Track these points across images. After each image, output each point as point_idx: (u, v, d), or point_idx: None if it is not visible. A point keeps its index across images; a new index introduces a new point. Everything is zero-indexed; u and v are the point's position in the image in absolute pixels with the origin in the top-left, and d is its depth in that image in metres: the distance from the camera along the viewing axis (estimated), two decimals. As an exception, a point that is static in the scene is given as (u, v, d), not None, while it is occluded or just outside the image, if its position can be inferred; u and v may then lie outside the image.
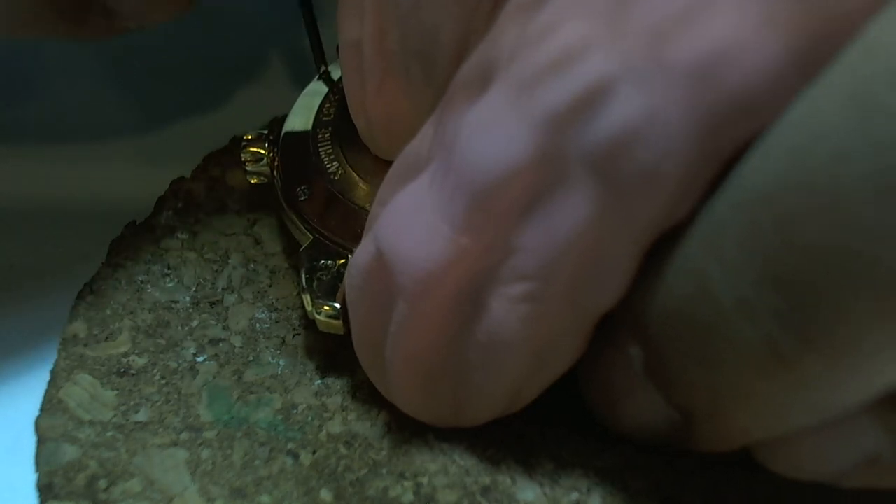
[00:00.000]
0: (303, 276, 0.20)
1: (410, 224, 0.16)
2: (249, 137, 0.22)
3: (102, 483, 0.18)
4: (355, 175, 0.21)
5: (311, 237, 0.21)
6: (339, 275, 0.20)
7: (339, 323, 0.19)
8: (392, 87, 0.20)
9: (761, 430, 0.16)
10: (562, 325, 0.16)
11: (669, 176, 0.15)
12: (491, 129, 0.15)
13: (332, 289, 0.19)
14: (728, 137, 0.14)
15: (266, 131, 0.23)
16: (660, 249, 0.16)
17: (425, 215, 0.16)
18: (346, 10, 0.20)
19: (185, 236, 0.23)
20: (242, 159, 0.22)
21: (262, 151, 0.22)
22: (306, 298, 0.19)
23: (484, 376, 0.17)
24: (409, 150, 0.18)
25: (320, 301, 0.19)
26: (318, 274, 0.20)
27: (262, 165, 0.22)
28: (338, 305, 0.19)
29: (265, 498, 0.18)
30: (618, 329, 0.17)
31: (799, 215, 0.13)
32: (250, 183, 0.23)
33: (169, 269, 0.22)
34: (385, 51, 0.19)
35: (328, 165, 0.22)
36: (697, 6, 0.14)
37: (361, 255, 0.17)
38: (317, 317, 0.19)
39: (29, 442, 0.19)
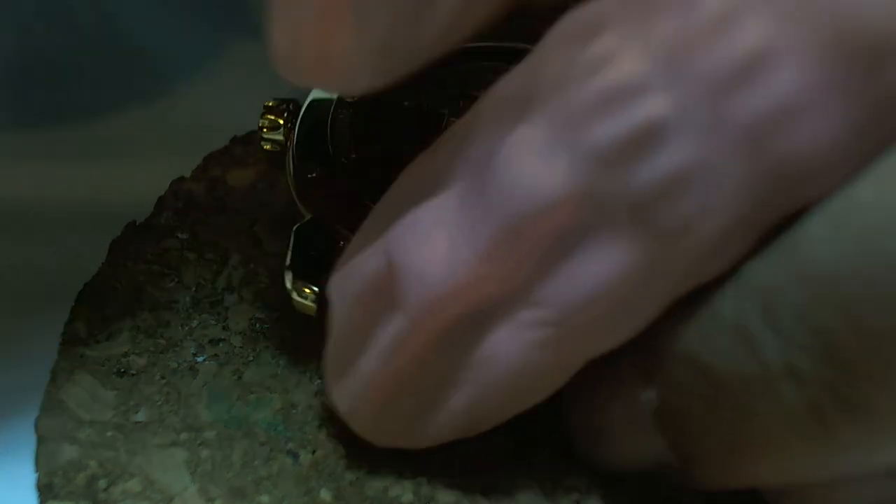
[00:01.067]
0: (290, 251, 0.20)
1: (429, 240, 0.16)
2: (270, 105, 0.22)
3: (102, 483, 0.18)
4: (367, 164, 0.21)
5: (310, 216, 0.20)
6: (327, 259, 0.19)
7: (313, 306, 0.19)
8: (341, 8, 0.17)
9: (779, 479, 0.16)
10: (562, 362, 0.16)
11: (714, 229, 0.14)
12: (532, 158, 0.15)
13: (316, 270, 0.19)
14: (780, 199, 0.14)
15: (288, 101, 0.22)
16: (692, 297, 0.15)
17: (447, 234, 0.16)
18: None
19: (185, 236, 0.23)
20: (259, 125, 0.22)
21: (280, 121, 0.22)
22: (288, 275, 0.19)
23: (461, 399, 0.17)
24: (427, 159, 0.17)
25: (301, 283, 0.19)
26: (307, 253, 0.20)
27: (278, 134, 0.22)
28: (317, 290, 0.19)
29: (265, 498, 0.18)
30: (626, 369, 0.17)
31: (867, 300, 0.13)
32: (251, 180, 0.23)
33: (169, 269, 0.22)
34: None
35: (342, 148, 0.21)
36: (762, 62, 0.14)
37: (366, 262, 0.17)
38: (294, 296, 0.19)
39: (29, 442, 0.19)
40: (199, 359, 0.21)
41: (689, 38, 0.14)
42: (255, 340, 0.21)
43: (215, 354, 0.21)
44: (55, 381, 0.20)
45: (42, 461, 0.19)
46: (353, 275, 0.17)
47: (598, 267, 0.15)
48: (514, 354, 0.16)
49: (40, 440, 0.19)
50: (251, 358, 0.21)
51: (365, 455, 0.19)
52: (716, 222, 0.14)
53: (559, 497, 0.18)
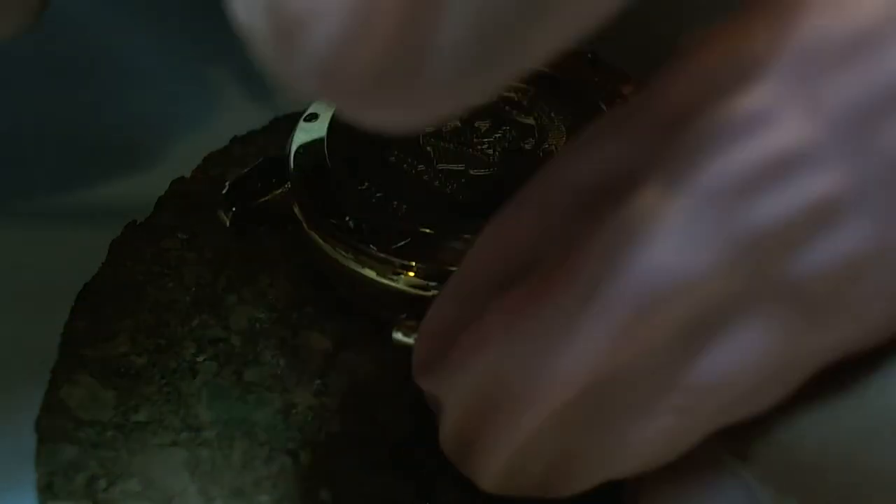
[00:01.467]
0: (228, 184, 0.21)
1: (543, 346, 0.14)
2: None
3: (102, 483, 0.18)
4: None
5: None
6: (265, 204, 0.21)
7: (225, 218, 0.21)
8: None
9: None
10: (692, 439, 0.15)
11: (882, 311, 0.13)
12: (671, 236, 0.13)
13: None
14: None
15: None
16: (835, 382, 0.14)
17: (566, 332, 0.14)
18: None
19: (184, 236, 0.23)
20: None
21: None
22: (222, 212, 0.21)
23: (587, 473, 0.16)
24: (504, 242, 0.15)
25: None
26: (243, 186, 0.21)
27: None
28: None
29: (264, 498, 0.18)
30: (745, 477, 0.15)
31: None
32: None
33: (169, 268, 0.22)
34: None
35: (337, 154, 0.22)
36: None
37: (467, 366, 0.15)
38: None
39: (29, 442, 0.19)
40: (199, 358, 0.21)
41: (872, 101, 0.12)
42: (255, 340, 0.21)
43: (215, 354, 0.21)
44: (55, 381, 0.20)
45: (42, 461, 0.19)
46: (456, 370, 0.16)
47: (745, 349, 0.13)
48: (646, 438, 0.15)
49: (40, 440, 0.19)
50: (251, 358, 0.21)
51: (364, 455, 0.19)
52: (884, 304, 0.13)
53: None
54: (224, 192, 0.22)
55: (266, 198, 0.22)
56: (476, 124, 0.22)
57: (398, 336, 0.19)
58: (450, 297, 0.16)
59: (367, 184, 0.21)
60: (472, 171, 0.21)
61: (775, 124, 0.12)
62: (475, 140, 0.22)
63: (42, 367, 0.20)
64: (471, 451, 0.16)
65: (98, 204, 0.24)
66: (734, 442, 0.15)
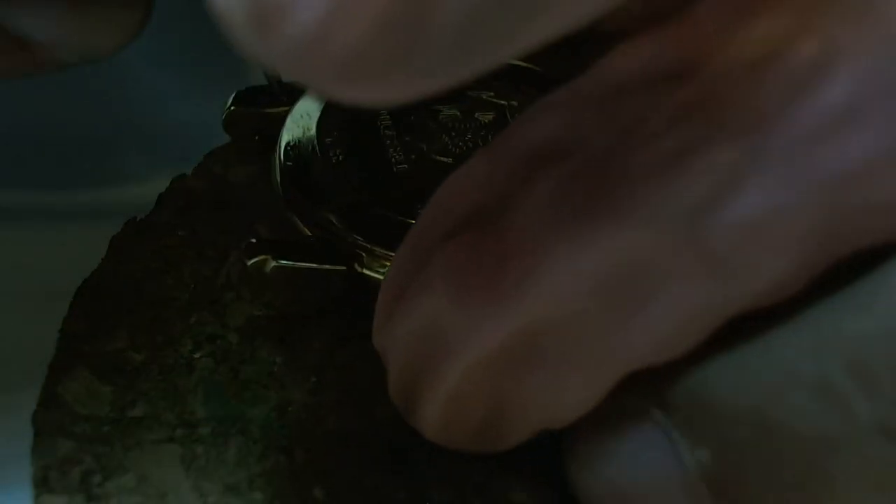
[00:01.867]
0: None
1: (475, 288, 0.15)
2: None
3: (97, 478, 0.18)
4: (353, 167, 0.21)
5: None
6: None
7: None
8: None
9: None
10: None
11: (783, 270, 0.14)
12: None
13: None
14: (854, 240, 0.14)
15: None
16: (747, 348, 0.15)
17: (492, 280, 0.15)
18: None
19: (184, 234, 0.23)
20: None
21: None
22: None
23: (522, 417, 0.16)
24: (451, 200, 0.16)
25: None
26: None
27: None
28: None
29: (258, 495, 0.18)
30: (659, 430, 0.16)
31: None
32: (251, 178, 0.23)
33: (168, 265, 0.22)
34: None
35: (328, 152, 0.22)
36: (843, 120, 0.13)
37: (410, 306, 0.16)
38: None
39: (26, 436, 0.19)
40: (196, 355, 0.21)
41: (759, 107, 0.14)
42: (253, 338, 0.21)
43: (212, 351, 0.21)
44: (53, 376, 0.20)
45: (38, 455, 0.19)
46: (394, 326, 0.17)
47: (666, 304, 0.14)
48: (573, 383, 0.16)
49: (37, 434, 0.19)
50: (248, 355, 0.21)
51: (359, 453, 0.19)
52: (782, 260, 0.14)
53: (551, 497, 0.18)
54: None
55: None
56: (476, 115, 0.23)
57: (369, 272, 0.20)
58: (405, 250, 0.17)
59: (355, 178, 0.21)
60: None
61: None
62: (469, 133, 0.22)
63: (40, 362, 0.20)
64: (412, 399, 0.17)
65: (99, 201, 0.24)
66: (657, 392, 0.15)
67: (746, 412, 0.15)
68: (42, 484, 0.18)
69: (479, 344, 0.15)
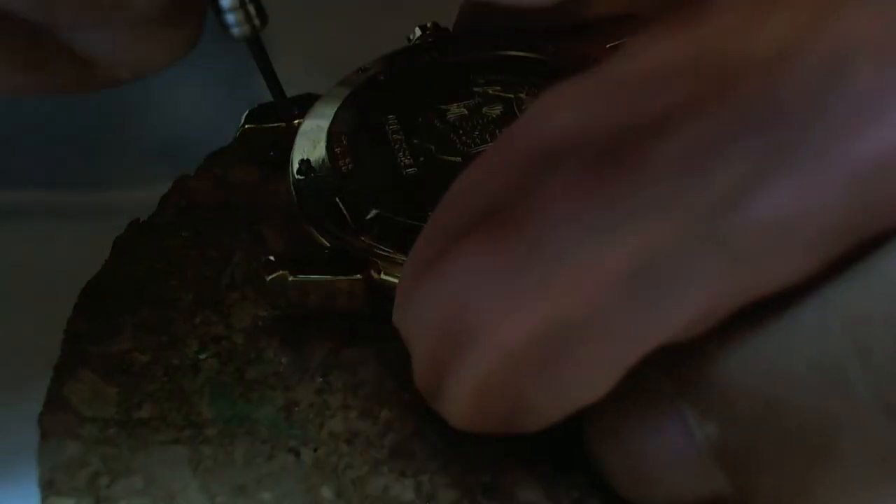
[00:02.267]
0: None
1: (498, 282, 0.15)
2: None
3: (104, 480, 0.18)
4: (366, 171, 0.22)
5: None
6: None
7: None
8: None
9: None
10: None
11: (801, 262, 0.14)
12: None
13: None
14: (868, 229, 0.14)
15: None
16: (756, 326, 0.15)
17: (516, 272, 0.15)
18: None
19: (188, 234, 0.23)
20: None
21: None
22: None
23: (547, 403, 0.16)
24: (471, 189, 0.16)
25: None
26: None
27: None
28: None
29: (266, 495, 0.18)
30: (673, 403, 0.16)
31: None
32: (254, 178, 0.23)
33: (172, 266, 0.22)
34: None
35: (340, 156, 0.22)
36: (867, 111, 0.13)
37: (430, 297, 0.16)
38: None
39: (32, 438, 0.19)
40: (202, 356, 0.21)
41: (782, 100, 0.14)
42: (258, 338, 0.21)
43: (217, 352, 0.21)
44: (58, 378, 0.20)
45: (44, 457, 0.19)
46: (416, 314, 0.17)
47: (682, 293, 0.14)
48: (597, 366, 0.16)
49: (43, 436, 0.19)
50: (253, 355, 0.21)
51: (366, 453, 0.19)
52: (801, 255, 0.14)
53: (559, 496, 0.18)
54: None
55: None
56: (483, 110, 0.23)
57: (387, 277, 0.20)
58: (423, 239, 0.17)
59: (366, 186, 0.21)
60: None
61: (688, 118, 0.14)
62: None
63: (45, 364, 0.20)
64: (439, 386, 0.17)
65: (102, 202, 0.24)
66: (672, 369, 0.16)
67: (752, 388, 0.15)
68: (49, 486, 0.18)
69: (506, 336, 0.15)
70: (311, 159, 0.22)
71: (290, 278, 0.20)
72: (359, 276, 0.20)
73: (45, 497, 0.18)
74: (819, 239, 0.14)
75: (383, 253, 0.20)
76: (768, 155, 0.14)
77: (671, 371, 0.16)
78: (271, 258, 0.20)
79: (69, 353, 0.21)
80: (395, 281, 0.19)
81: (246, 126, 0.23)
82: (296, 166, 0.22)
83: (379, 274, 0.20)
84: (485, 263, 0.15)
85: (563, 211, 0.15)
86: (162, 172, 0.24)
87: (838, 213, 0.14)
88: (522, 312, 0.15)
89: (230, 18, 0.20)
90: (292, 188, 0.22)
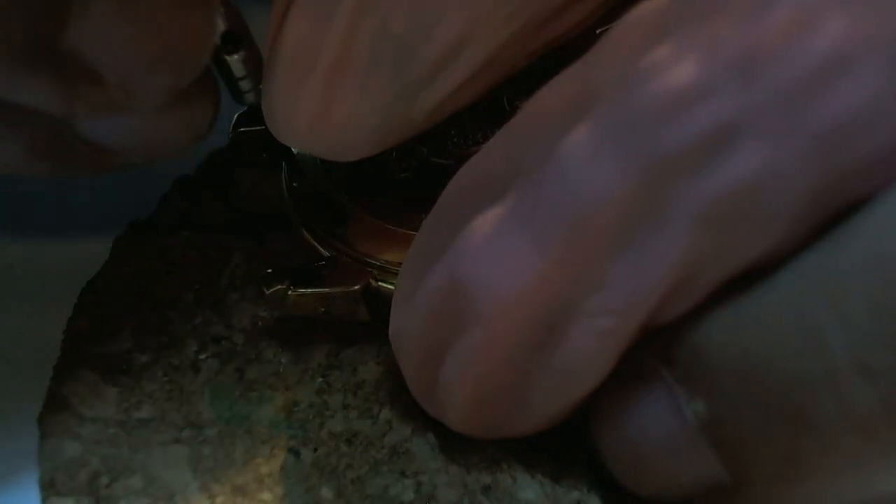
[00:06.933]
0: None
1: (493, 252, 0.15)
2: None
3: (104, 480, 0.18)
4: (359, 176, 0.21)
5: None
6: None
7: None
8: (345, 83, 0.18)
9: (847, 498, 0.15)
10: (621, 348, 0.16)
11: (778, 229, 0.14)
12: (591, 159, 0.15)
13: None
14: (843, 195, 0.14)
15: None
16: (737, 301, 0.15)
17: (510, 242, 0.15)
18: (300, 7, 0.18)
19: (188, 234, 0.23)
20: None
21: None
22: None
23: (544, 398, 0.17)
24: (476, 169, 0.17)
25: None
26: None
27: None
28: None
29: (266, 495, 0.18)
30: (662, 384, 0.16)
31: None
32: (254, 178, 0.23)
33: (172, 266, 0.22)
34: (353, 39, 0.17)
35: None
36: (838, 67, 0.14)
37: (430, 280, 0.17)
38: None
39: (32, 438, 0.19)
40: (202, 356, 0.21)
41: (760, 43, 0.14)
42: (258, 338, 0.21)
43: (217, 352, 0.21)
44: (58, 378, 0.20)
45: (44, 457, 0.19)
46: (420, 291, 0.17)
47: (661, 256, 0.15)
48: (591, 352, 0.16)
49: (43, 436, 0.19)
50: (253, 355, 0.21)
51: (366, 453, 0.19)
52: (780, 223, 0.14)
53: (559, 497, 0.18)
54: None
55: None
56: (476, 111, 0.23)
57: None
58: (426, 226, 0.17)
59: (357, 193, 0.21)
60: None
61: (683, 67, 0.14)
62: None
63: (45, 364, 0.20)
64: (434, 388, 0.17)
65: (102, 202, 0.24)
66: (664, 350, 0.16)
67: (734, 359, 0.15)
68: (49, 486, 0.18)
69: (507, 326, 0.16)
70: (304, 166, 0.22)
71: (290, 292, 0.20)
72: (356, 286, 0.20)
73: (45, 497, 0.18)
74: (792, 205, 0.14)
75: (378, 264, 0.20)
76: (738, 116, 0.14)
77: (662, 351, 0.16)
78: (269, 271, 0.20)
79: (69, 353, 0.21)
80: (392, 288, 0.20)
81: (238, 129, 0.23)
82: (288, 173, 0.22)
83: (376, 282, 0.20)
84: (489, 250, 0.15)
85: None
86: (162, 172, 0.24)
87: (807, 178, 0.14)
88: (526, 300, 0.15)
89: (244, 85, 0.20)
90: (287, 194, 0.22)
